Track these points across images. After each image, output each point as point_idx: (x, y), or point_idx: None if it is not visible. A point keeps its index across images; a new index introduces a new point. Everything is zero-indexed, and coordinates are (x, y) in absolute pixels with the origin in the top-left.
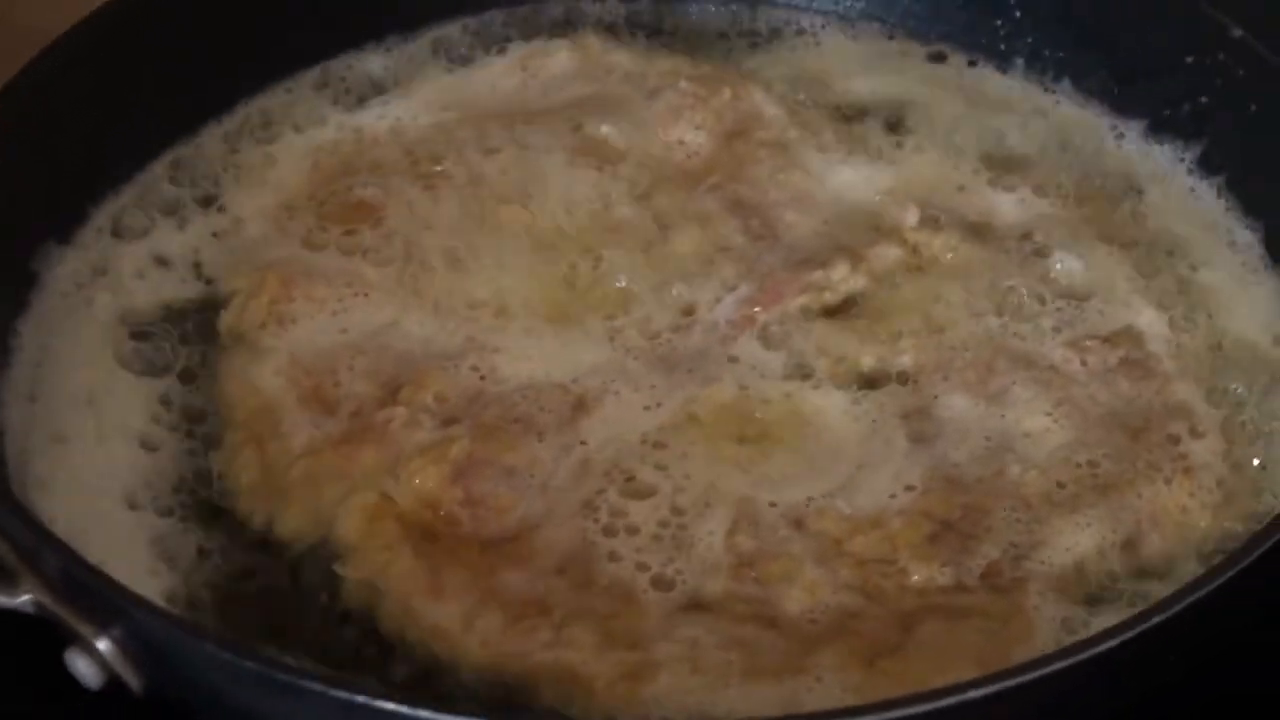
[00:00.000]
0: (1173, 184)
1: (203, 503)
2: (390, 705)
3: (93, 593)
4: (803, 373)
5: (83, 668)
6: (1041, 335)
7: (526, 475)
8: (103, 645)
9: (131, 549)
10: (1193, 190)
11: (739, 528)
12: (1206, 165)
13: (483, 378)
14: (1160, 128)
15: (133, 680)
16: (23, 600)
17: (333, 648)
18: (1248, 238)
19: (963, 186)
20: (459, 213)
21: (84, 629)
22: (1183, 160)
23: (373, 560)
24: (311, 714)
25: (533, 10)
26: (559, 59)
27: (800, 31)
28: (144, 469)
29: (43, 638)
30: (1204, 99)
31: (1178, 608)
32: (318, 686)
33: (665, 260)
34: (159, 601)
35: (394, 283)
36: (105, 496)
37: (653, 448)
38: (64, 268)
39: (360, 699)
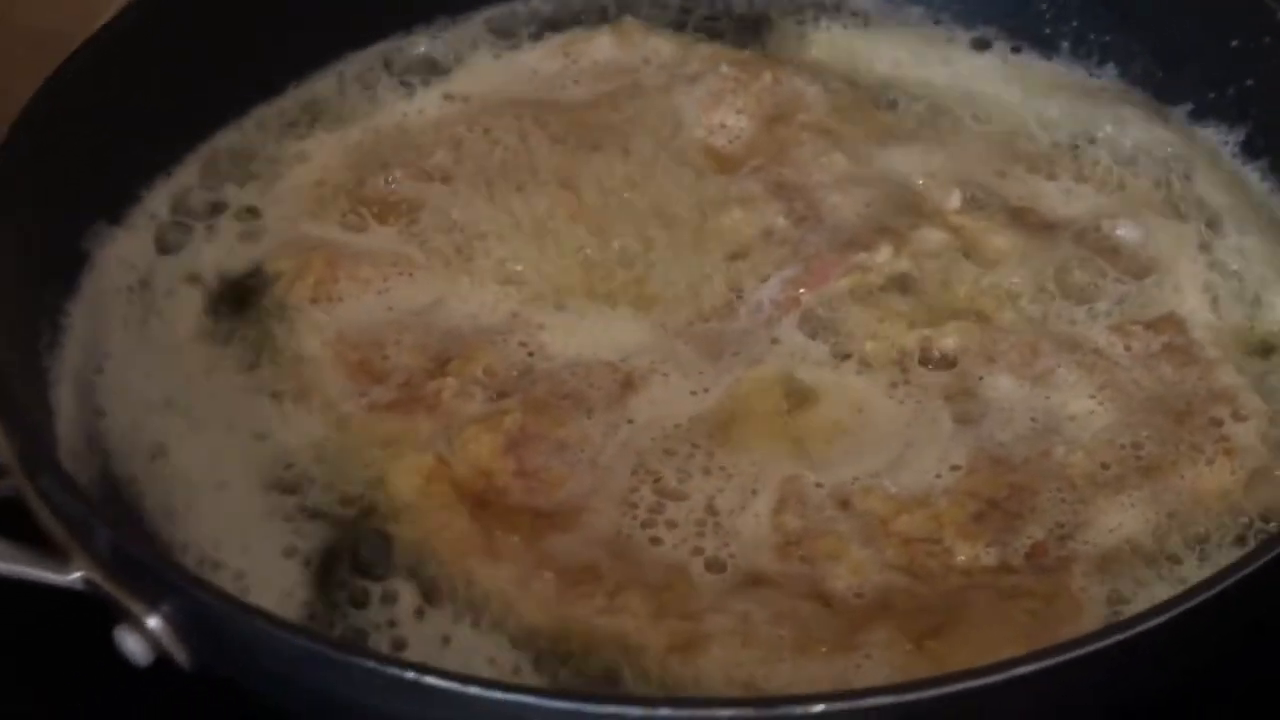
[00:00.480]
0: (1218, 168)
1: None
2: (443, 682)
3: (144, 569)
4: (847, 354)
5: (132, 645)
6: (1086, 319)
7: (577, 450)
8: (153, 623)
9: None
10: (1237, 174)
11: (785, 506)
12: (1250, 149)
13: (531, 354)
14: (1205, 112)
15: (182, 657)
16: (74, 578)
17: (377, 610)
18: None
19: (1005, 171)
20: (502, 196)
21: (135, 606)
22: (1227, 144)
23: (428, 520)
24: (362, 690)
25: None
26: (600, 44)
27: (848, 14)
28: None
29: (89, 615)
30: (1249, 82)
31: (1219, 588)
32: (369, 664)
33: (709, 242)
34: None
35: (439, 263)
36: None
37: (699, 427)
38: (115, 247)
39: (410, 675)
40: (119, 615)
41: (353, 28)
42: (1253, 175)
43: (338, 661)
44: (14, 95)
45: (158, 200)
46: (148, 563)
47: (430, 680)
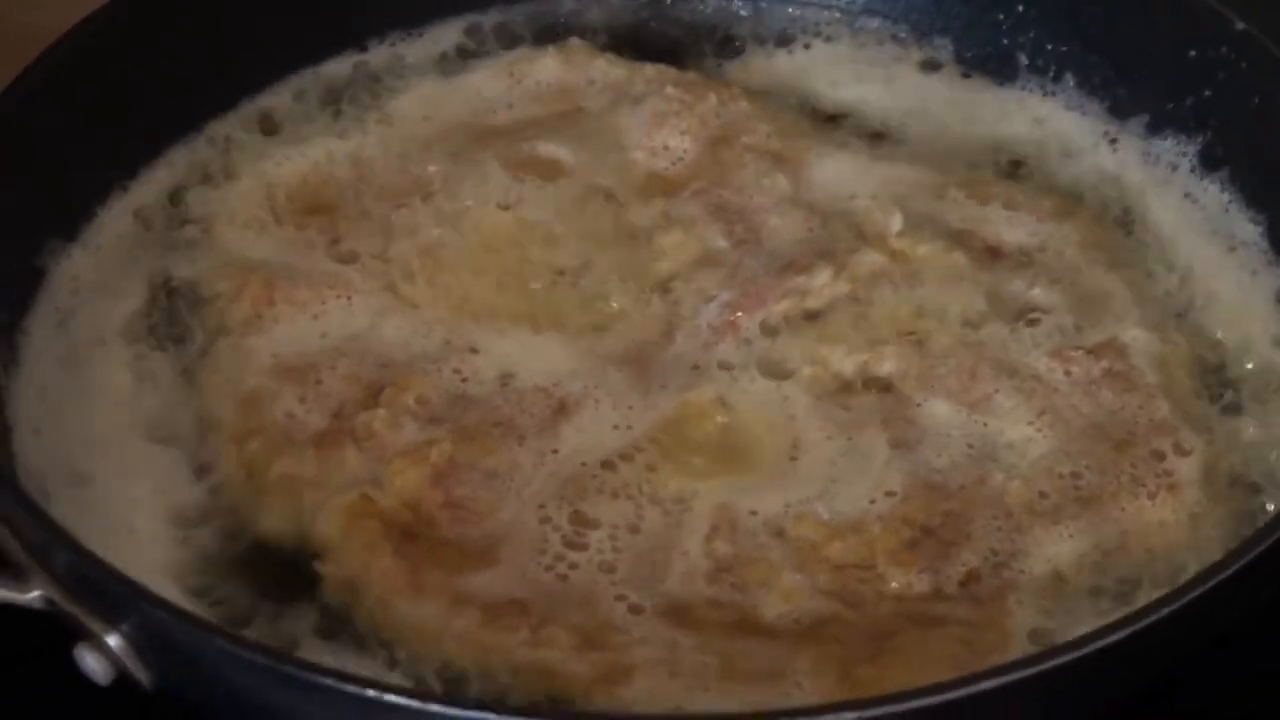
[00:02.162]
0: (1170, 188)
1: (187, 499)
2: (402, 700)
3: (103, 588)
4: (784, 378)
5: (92, 663)
6: (1025, 344)
7: (507, 479)
8: (113, 641)
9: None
10: (1191, 190)
11: (717, 533)
12: (1208, 160)
13: (464, 379)
14: (1162, 123)
15: (142, 676)
16: (33, 596)
17: (312, 644)
18: (1250, 232)
19: (947, 194)
20: (441, 219)
21: (94, 625)
22: (1185, 155)
23: (353, 558)
24: (322, 709)
25: (520, 15)
26: (545, 65)
27: (794, 34)
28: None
29: (50, 634)
30: (1206, 92)
31: (1146, 621)
32: (329, 681)
33: (648, 266)
34: (155, 572)
35: (375, 287)
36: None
37: (633, 452)
38: (69, 265)
39: (371, 694)
40: (79, 634)
41: (301, 46)
42: (1211, 187)
43: (299, 680)
44: None
45: (113, 216)
46: (107, 582)
47: (392, 698)
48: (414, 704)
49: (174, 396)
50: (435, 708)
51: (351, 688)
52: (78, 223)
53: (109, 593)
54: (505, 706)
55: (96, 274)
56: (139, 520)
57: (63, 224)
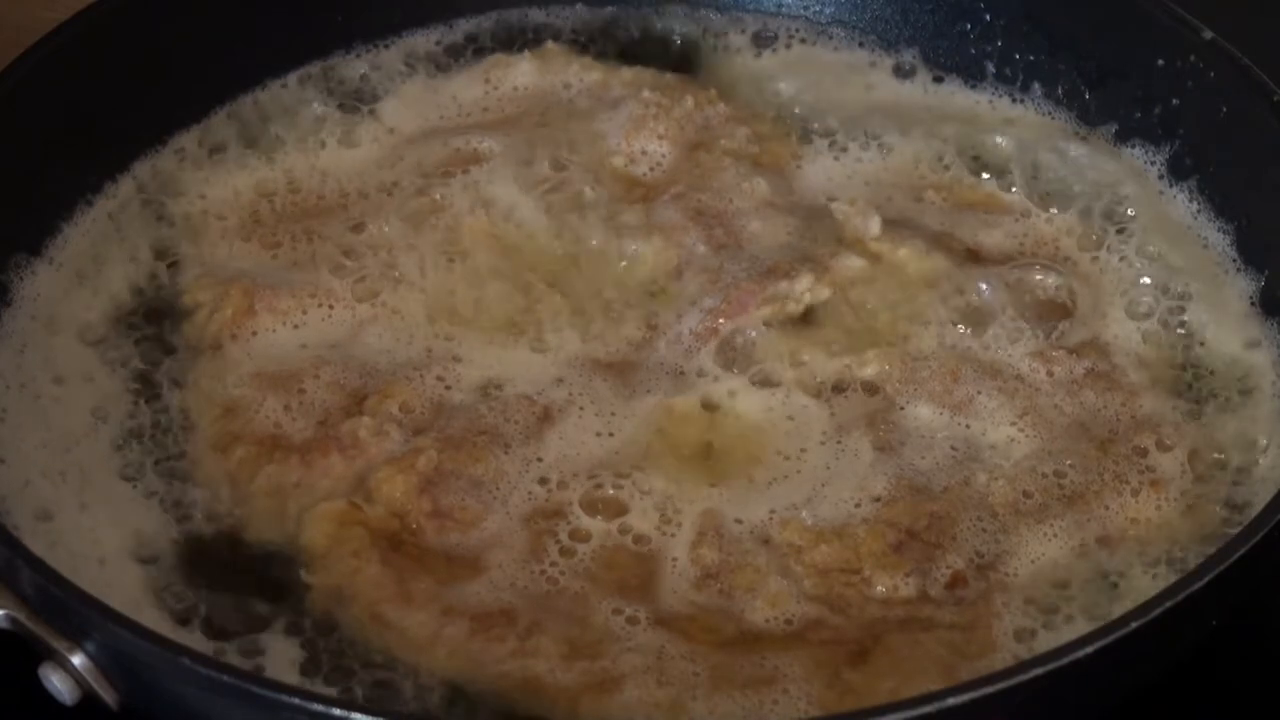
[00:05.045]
0: (1143, 190)
1: (168, 510)
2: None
3: (67, 607)
4: (767, 384)
5: (57, 683)
6: (1007, 345)
7: (493, 487)
8: (78, 660)
9: (100, 551)
10: (1162, 195)
11: (703, 540)
12: (1177, 169)
13: (448, 388)
14: (1131, 132)
15: (108, 695)
16: None
17: (297, 655)
18: (1219, 240)
19: (924, 197)
20: (420, 227)
21: (59, 644)
22: (1154, 164)
23: (340, 567)
24: None
25: (496, 21)
26: (522, 70)
27: (769, 38)
28: (110, 479)
29: (14, 653)
30: (1174, 101)
31: (1135, 624)
32: (294, 700)
33: (629, 272)
34: (127, 604)
35: (357, 296)
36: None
37: (617, 460)
38: (35, 279)
39: (337, 712)
40: (44, 653)
41: (276, 53)
42: (1179, 196)
43: (264, 700)
44: None
45: (79, 230)
46: (72, 601)
47: (359, 717)
48: None
49: (147, 417)
50: None
51: (318, 706)
52: (44, 236)
53: (73, 611)
54: None
55: (60, 291)
56: (108, 548)
57: (28, 237)
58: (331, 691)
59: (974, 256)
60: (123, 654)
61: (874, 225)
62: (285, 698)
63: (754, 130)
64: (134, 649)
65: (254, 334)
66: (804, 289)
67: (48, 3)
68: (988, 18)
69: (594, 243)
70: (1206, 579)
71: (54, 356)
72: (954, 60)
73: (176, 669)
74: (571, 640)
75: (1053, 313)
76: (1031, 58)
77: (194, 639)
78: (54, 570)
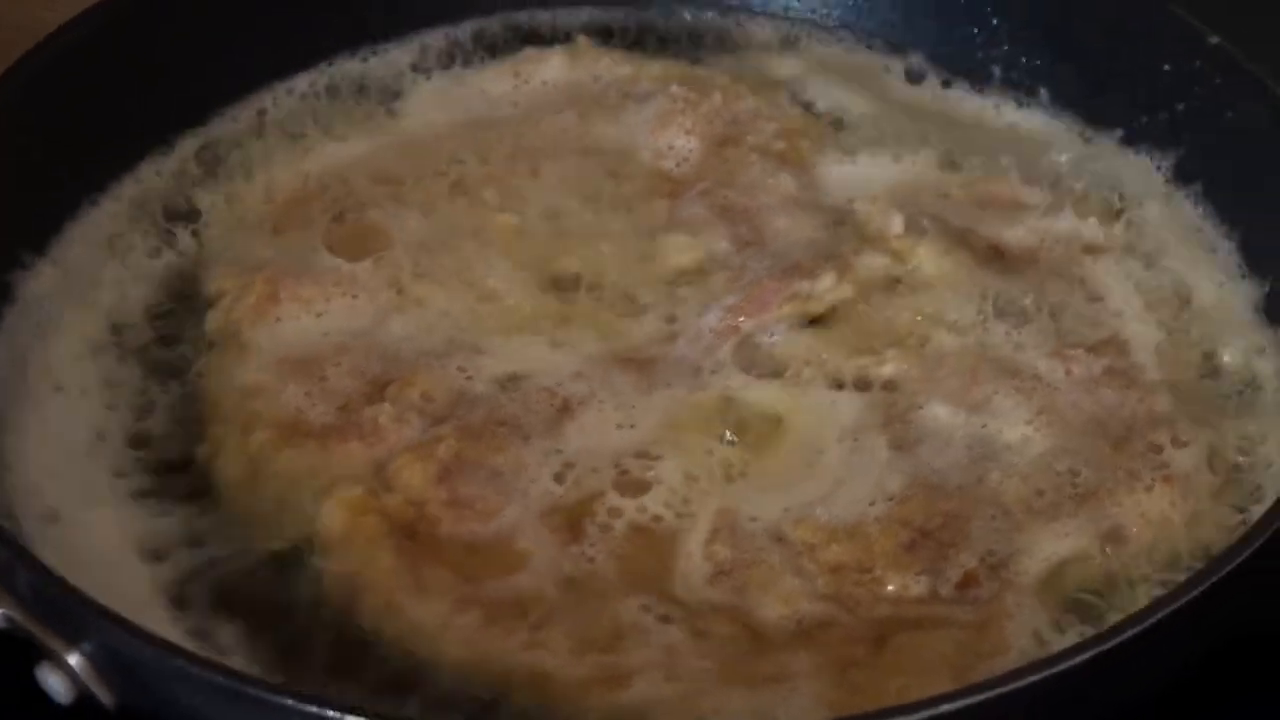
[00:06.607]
0: (1151, 194)
1: (186, 496)
2: None
3: (64, 607)
4: (786, 382)
5: (54, 683)
6: (1026, 344)
7: (512, 478)
8: (74, 660)
9: (116, 539)
10: (1170, 199)
11: (717, 536)
12: (1183, 174)
13: (469, 378)
14: (1137, 137)
15: (104, 695)
16: None
17: (312, 646)
18: (1225, 245)
19: (946, 195)
20: (446, 218)
21: (55, 644)
22: (1160, 169)
23: (355, 555)
24: None
25: (527, 16)
26: (551, 64)
27: (780, 40)
28: (127, 465)
29: (11, 653)
30: (1180, 106)
31: (1148, 623)
32: (288, 701)
33: (653, 268)
34: (137, 602)
35: (380, 284)
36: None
37: (634, 455)
38: (39, 279)
39: (331, 714)
40: (40, 653)
41: (299, 48)
42: (1185, 201)
43: (259, 700)
44: None
45: (86, 231)
46: (68, 601)
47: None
48: None
49: (154, 416)
50: None
51: (313, 708)
52: (48, 237)
53: (69, 611)
54: None
55: (64, 292)
56: (116, 549)
57: (32, 238)
58: (336, 689)
59: (996, 254)
60: (119, 654)
61: (896, 224)
62: (280, 699)
63: (781, 126)
64: (130, 649)
65: (278, 320)
66: (826, 288)
67: (48, 3)
68: (994, 22)
69: (618, 239)
70: (1215, 578)
71: (58, 357)
72: (961, 66)
73: (172, 670)
74: (582, 634)
75: (1070, 312)
76: (1038, 63)
77: (198, 641)
78: (51, 570)
